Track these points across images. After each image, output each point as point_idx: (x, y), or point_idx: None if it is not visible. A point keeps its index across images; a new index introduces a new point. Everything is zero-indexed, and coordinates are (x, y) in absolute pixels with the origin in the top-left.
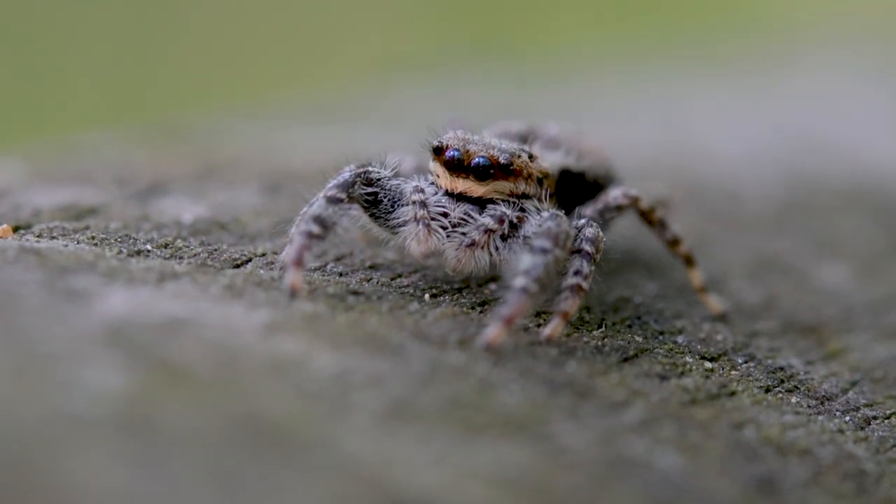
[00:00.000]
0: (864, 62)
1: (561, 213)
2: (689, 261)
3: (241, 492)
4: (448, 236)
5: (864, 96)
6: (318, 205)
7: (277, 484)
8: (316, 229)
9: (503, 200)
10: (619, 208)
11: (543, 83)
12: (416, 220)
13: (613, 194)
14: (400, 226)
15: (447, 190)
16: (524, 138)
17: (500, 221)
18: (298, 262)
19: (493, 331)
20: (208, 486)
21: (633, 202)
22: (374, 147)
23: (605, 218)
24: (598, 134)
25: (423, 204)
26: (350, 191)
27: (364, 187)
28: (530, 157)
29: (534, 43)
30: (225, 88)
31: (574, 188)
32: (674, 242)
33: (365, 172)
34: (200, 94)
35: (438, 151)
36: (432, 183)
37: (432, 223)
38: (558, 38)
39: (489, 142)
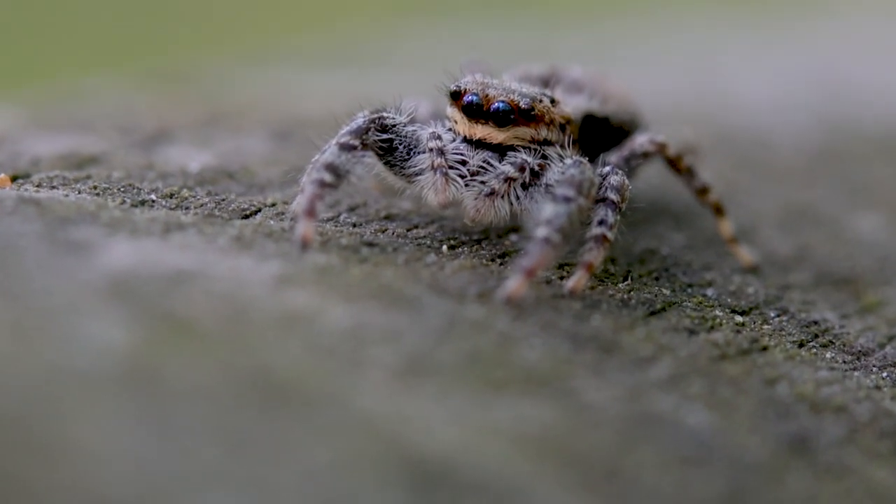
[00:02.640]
0: None
1: (584, 160)
2: (718, 210)
3: (250, 450)
4: (466, 185)
5: None
6: (330, 152)
7: (287, 442)
8: (328, 178)
9: (524, 147)
10: (645, 155)
11: (567, 27)
12: (434, 168)
13: (639, 141)
14: (416, 174)
15: (465, 136)
16: (545, 82)
17: (521, 169)
18: (310, 212)
19: (513, 283)
20: (215, 444)
21: (660, 149)
22: (389, 92)
23: (630, 165)
24: (626, 78)
25: (441, 151)
26: (364, 137)
27: (378, 133)
28: (552, 101)
29: None
30: (234, 33)
31: (598, 134)
32: (702, 191)
33: (379, 118)
34: (208, 38)
35: (456, 96)
36: (450, 129)
37: (450, 171)
38: None
39: (509, 86)
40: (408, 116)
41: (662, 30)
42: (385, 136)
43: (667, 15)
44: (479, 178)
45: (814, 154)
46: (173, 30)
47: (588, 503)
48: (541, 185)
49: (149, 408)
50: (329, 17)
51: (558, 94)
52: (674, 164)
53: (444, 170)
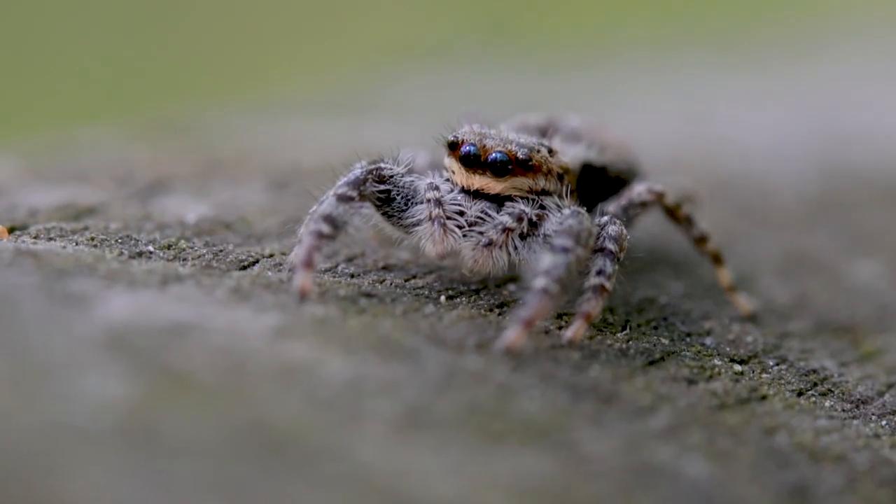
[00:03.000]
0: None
1: (582, 209)
2: (717, 259)
3: (249, 503)
4: (465, 235)
5: None
6: (328, 203)
7: (286, 495)
8: (326, 229)
9: (522, 197)
10: (643, 204)
11: (566, 73)
12: (431, 219)
13: (638, 190)
14: (414, 225)
15: (463, 187)
16: (543, 131)
17: (519, 220)
18: (308, 264)
19: (512, 334)
20: (214, 499)
21: (659, 198)
22: (387, 141)
23: (629, 215)
24: (623, 125)
25: (439, 202)
26: (361, 188)
27: (376, 184)
28: (550, 151)
29: (556, 30)
30: (229, 80)
31: (596, 183)
32: (701, 240)
33: (377, 169)
34: (203, 87)
35: (454, 146)
36: (447, 179)
37: (448, 222)
38: (581, 25)
39: (507, 136)
40: (405, 167)
41: (661, 76)
42: (383, 187)
43: (665, 61)
44: (477, 228)
45: (813, 201)
46: (170, 79)
47: None
48: (539, 235)
49: (147, 463)
50: (327, 65)
51: (556, 144)
52: (672, 213)
53: (441, 220)
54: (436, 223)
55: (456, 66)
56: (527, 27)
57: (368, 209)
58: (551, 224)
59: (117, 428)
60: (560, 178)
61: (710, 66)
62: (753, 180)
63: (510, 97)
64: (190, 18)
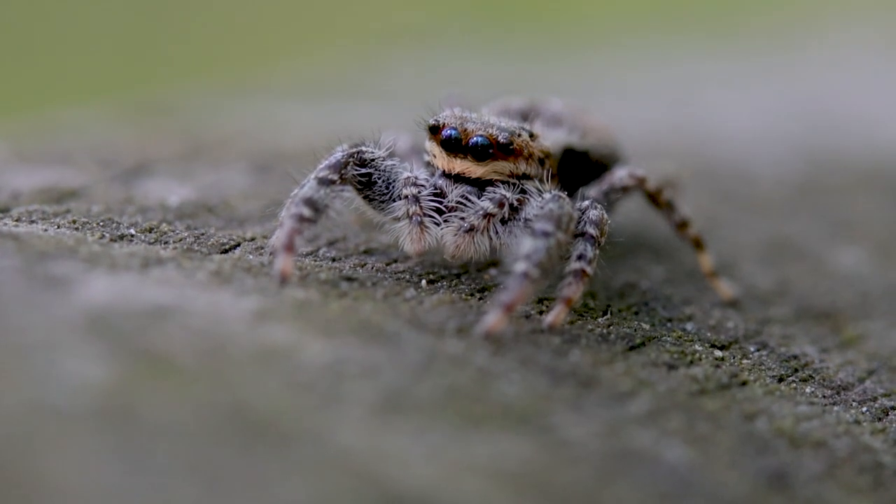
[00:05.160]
0: (883, 37)
1: (563, 194)
2: (698, 244)
3: (226, 486)
4: (446, 221)
5: (883, 72)
6: (309, 187)
7: (264, 478)
8: (307, 212)
9: (503, 182)
10: (624, 189)
11: (551, 59)
12: (409, 216)
13: (619, 175)
14: (394, 220)
15: (444, 171)
16: (525, 115)
17: (500, 205)
18: (289, 247)
19: (492, 318)
20: (192, 481)
21: (640, 183)
22: (370, 126)
23: (610, 199)
24: (607, 110)
25: (416, 199)
26: (342, 171)
27: (357, 168)
28: (531, 135)
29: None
30: (213, 64)
31: (577, 168)
32: (682, 225)
33: (358, 152)
34: (187, 70)
35: (434, 130)
36: (428, 163)
37: (426, 220)
38: (569, 10)
39: (488, 120)
40: (387, 151)
41: (645, 62)
42: (364, 171)
43: (650, 48)
44: (457, 213)
45: (795, 187)
46: (154, 61)
47: None
48: (520, 219)
49: (125, 445)
50: (312, 48)
51: (537, 128)
52: (653, 198)
53: (419, 218)
54: (413, 221)
55: (441, 50)
56: (514, 12)
57: (349, 192)
58: (532, 208)
59: (97, 409)
60: (541, 162)
61: (697, 52)
62: (736, 166)
63: (496, 82)
64: (172, 9)
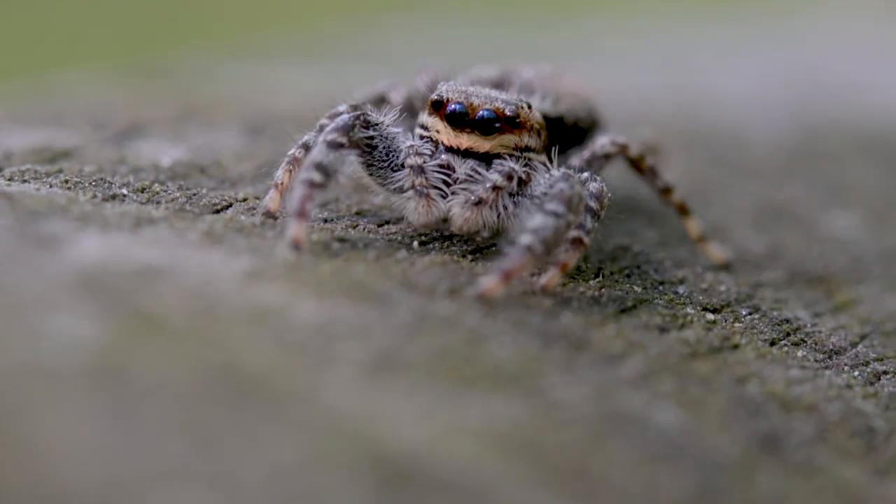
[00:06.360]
0: (883, 1)
1: (571, 171)
2: (682, 209)
3: (217, 446)
4: (453, 193)
5: (880, 38)
6: (318, 151)
7: (255, 438)
8: (318, 177)
9: (509, 155)
10: (606, 157)
11: (547, 24)
12: (415, 188)
13: (601, 142)
14: (397, 190)
15: (449, 146)
16: (497, 84)
17: (509, 178)
18: (302, 213)
19: (489, 281)
20: (183, 440)
21: (622, 150)
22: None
23: (592, 167)
24: (601, 76)
25: (421, 169)
26: (350, 134)
27: (364, 130)
28: (529, 107)
29: None
30: (209, 27)
31: (555, 134)
32: (665, 191)
33: (363, 114)
34: (183, 32)
35: (438, 106)
36: (424, 138)
37: (431, 191)
38: None
39: (490, 93)
40: (392, 118)
41: (639, 27)
42: (369, 133)
43: (644, 13)
44: (463, 185)
45: (789, 152)
46: (148, 24)
47: (557, 501)
48: (526, 194)
49: (116, 403)
50: (307, 13)
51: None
52: (636, 164)
53: (425, 190)
54: (420, 193)
55: (436, 15)
56: None
57: (354, 156)
58: (539, 185)
59: (88, 368)
60: (538, 134)
61: (691, 20)
62: (731, 131)
63: (492, 47)
64: None
